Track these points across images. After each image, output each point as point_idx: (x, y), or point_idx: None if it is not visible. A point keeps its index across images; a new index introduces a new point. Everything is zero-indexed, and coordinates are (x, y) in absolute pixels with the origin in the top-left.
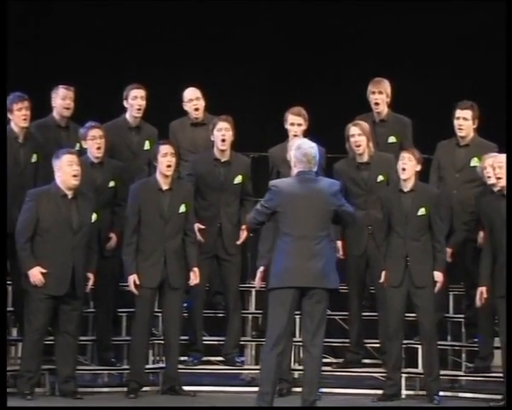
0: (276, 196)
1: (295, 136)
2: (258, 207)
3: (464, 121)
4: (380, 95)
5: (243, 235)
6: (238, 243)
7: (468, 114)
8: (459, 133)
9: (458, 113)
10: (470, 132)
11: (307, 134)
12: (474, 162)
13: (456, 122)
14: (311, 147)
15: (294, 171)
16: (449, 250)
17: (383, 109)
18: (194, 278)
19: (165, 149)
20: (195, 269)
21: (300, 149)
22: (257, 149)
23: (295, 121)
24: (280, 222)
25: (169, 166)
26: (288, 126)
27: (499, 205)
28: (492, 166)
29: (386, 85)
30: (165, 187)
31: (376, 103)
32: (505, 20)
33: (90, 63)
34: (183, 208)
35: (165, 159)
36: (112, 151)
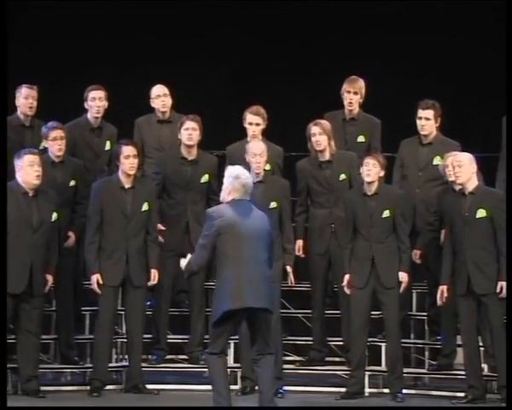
0: (217, 221)
1: (254, 135)
2: (201, 243)
3: (426, 121)
4: (355, 95)
5: None
6: None
7: (429, 113)
8: (422, 132)
9: (420, 112)
10: (433, 131)
11: (268, 132)
12: (437, 161)
13: (418, 122)
14: (249, 177)
15: (228, 198)
16: (417, 252)
17: (355, 109)
18: (153, 278)
19: (127, 150)
20: (153, 270)
21: (239, 179)
22: (221, 148)
23: (254, 121)
24: (223, 246)
25: (131, 167)
26: (246, 125)
27: (460, 204)
28: (452, 164)
29: (361, 85)
30: (127, 186)
31: (350, 103)
32: (505, 20)
33: (57, 62)
34: (145, 207)
35: (128, 161)
36: (74, 151)
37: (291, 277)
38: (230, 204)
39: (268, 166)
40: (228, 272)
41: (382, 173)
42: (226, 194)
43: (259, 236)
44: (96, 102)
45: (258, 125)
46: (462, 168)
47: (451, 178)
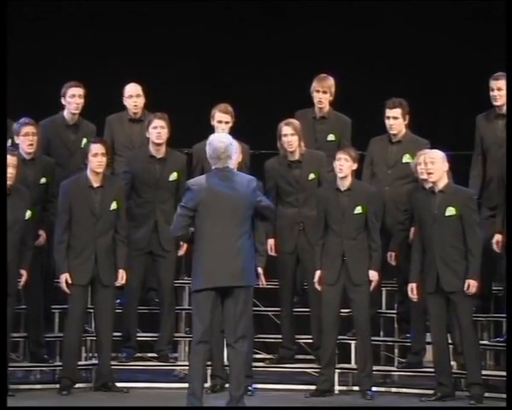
0: (195, 195)
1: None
2: (179, 212)
3: (394, 120)
4: (324, 94)
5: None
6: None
7: (397, 112)
8: (391, 131)
9: (388, 112)
10: (402, 130)
11: (235, 130)
12: (406, 159)
13: (386, 121)
14: (221, 141)
15: (212, 168)
16: (392, 254)
17: (325, 107)
18: (121, 279)
19: (95, 148)
20: (121, 271)
21: (210, 144)
22: (190, 146)
23: (223, 119)
24: (199, 221)
25: (99, 165)
26: (214, 123)
27: (429, 201)
28: (424, 161)
29: (330, 83)
30: (96, 184)
31: (320, 101)
32: (505, 20)
33: (31, 58)
34: (114, 206)
35: (96, 159)
36: (48, 148)
37: (262, 278)
38: (211, 175)
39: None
40: (201, 248)
41: (355, 167)
42: (211, 165)
43: (236, 209)
44: (75, 98)
45: (227, 123)
46: (435, 166)
47: (423, 176)
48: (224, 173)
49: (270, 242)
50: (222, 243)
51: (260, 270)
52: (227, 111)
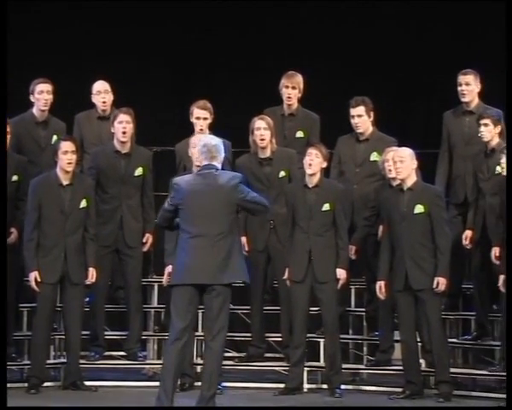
0: (177, 193)
1: (201, 130)
2: (165, 206)
3: (359, 118)
4: (293, 90)
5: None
6: (144, 240)
7: (361, 110)
8: (357, 130)
9: (352, 111)
10: (368, 127)
11: (212, 128)
12: (374, 157)
13: (352, 120)
14: (212, 138)
15: (201, 164)
16: (352, 247)
17: (294, 104)
18: (91, 276)
19: (65, 146)
20: (91, 269)
21: (202, 141)
22: (159, 144)
23: (201, 115)
24: (181, 219)
25: (69, 163)
26: (193, 120)
27: (398, 199)
28: (393, 159)
29: (299, 80)
30: (65, 182)
31: (289, 97)
32: (505, 20)
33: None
34: (83, 204)
35: (66, 156)
36: (19, 146)
37: None
38: (195, 174)
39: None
40: (182, 245)
41: (325, 165)
42: (197, 162)
43: (217, 207)
44: (43, 95)
45: (205, 119)
46: (404, 164)
47: (390, 174)
48: (208, 172)
49: (243, 239)
50: (201, 241)
51: None
52: (205, 107)
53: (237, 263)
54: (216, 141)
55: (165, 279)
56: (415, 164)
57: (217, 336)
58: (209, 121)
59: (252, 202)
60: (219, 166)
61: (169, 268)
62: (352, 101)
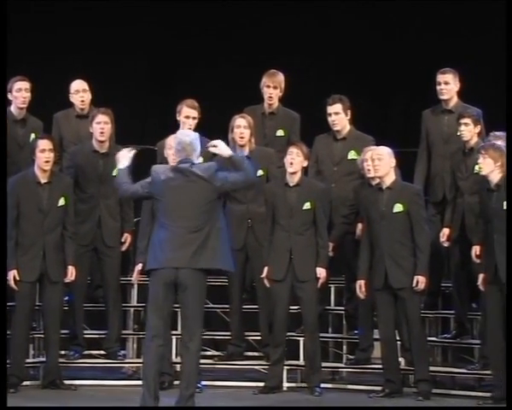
0: (154, 185)
1: (190, 129)
2: (137, 187)
3: (336, 115)
4: (274, 89)
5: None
6: (123, 239)
7: (338, 107)
8: (334, 128)
9: (329, 109)
10: (345, 125)
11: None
12: (352, 155)
13: (329, 119)
14: (187, 135)
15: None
16: (330, 244)
17: (275, 103)
18: (70, 275)
19: (43, 144)
20: (71, 267)
21: (176, 137)
22: (138, 142)
23: (190, 114)
24: (156, 210)
25: (47, 161)
26: (182, 119)
27: (377, 198)
28: (371, 157)
29: (280, 79)
30: (43, 180)
31: (270, 97)
32: (505, 20)
33: None
34: (62, 202)
35: (43, 155)
36: None
37: None
38: (173, 167)
39: (201, 159)
40: (155, 234)
41: (306, 163)
42: (175, 163)
43: (193, 203)
44: (21, 92)
45: (194, 118)
46: (382, 162)
47: (370, 174)
48: (184, 166)
49: None
50: (177, 233)
51: None
52: (194, 106)
53: (217, 250)
54: (190, 137)
55: (134, 277)
56: (393, 162)
57: (193, 336)
58: (197, 120)
59: (233, 185)
60: (196, 160)
61: (139, 266)
62: (328, 99)
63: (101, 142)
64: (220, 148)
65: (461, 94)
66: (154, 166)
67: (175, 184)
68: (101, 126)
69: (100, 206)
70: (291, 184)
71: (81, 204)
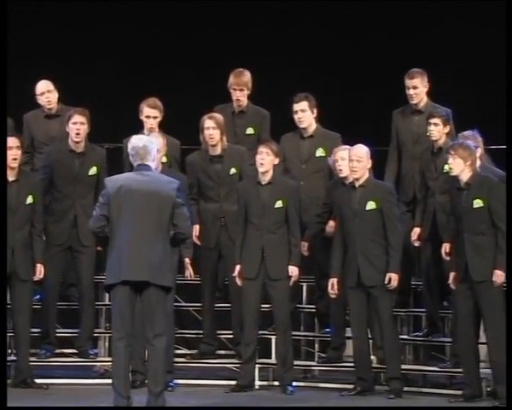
0: (108, 191)
1: (151, 129)
2: (97, 206)
3: (302, 113)
4: (241, 92)
5: None
6: None
7: (304, 105)
8: (301, 126)
9: (295, 106)
10: (312, 123)
11: (163, 125)
12: (320, 153)
13: (295, 116)
14: (140, 139)
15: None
16: (305, 244)
17: (244, 102)
18: (39, 273)
19: (10, 142)
20: (39, 265)
21: (130, 142)
22: (111, 140)
23: (151, 114)
24: (113, 218)
25: (14, 159)
26: (143, 118)
27: (350, 197)
28: (350, 157)
29: (247, 80)
30: (11, 179)
31: (238, 100)
32: (505, 20)
33: None
34: (30, 200)
35: (10, 152)
36: None
37: (190, 269)
38: (129, 173)
39: (165, 159)
40: (114, 244)
41: (277, 161)
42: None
43: (151, 207)
44: None
45: (155, 118)
46: (360, 163)
47: (342, 174)
48: (142, 171)
49: (196, 228)
50: (134, 239)
51: (188, 260)
52: (155, 106)
53: (170, 267)
54: (143, 141)
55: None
56: (369, 163)
57: (158, 335)
58: (159, 119)
59: (179, 214)
60: (152, 164)
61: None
62: (294, 97)
63: (77, 142)
64: None
65: (430, 93)
66: (106, 179)
67: (134, 190)
68: (78, 127)
69: (75, 205)
70: (263, 183)
71: (56, 203)
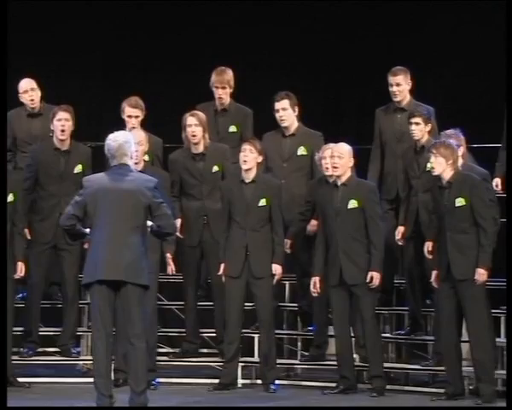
0: (86, 191)
1: (133, 127)
2: (72, 203)
3: (284, 111)
4: (223, 90)
5: None
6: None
7: (285, 103)
8: (282, 124)
9: (276, 105)
10: (293, 121)
11: (145, 123)
12: (301, 151)
13: (277, 115)
14: (115, 140)
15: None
16: (288, 241)
17: (226, 100)
18: (20, 271)
19: None
20: (20, 263)
21: (106, 143)
22: (94, 139)
23: (133, 113)
24: (90, 216)
25: None
26: (125, 118)
27: (332, 195)
28: (331, 154)
29: (228, 78)
30: None
31: (220, 98)
32: (505, 20)
33: None
34: (10, 198)
35: None
36: None
37: (172, 265)
38: (107, 172)
39: (147, 157)
40: (92, 243)
41: (260, 159)
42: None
43: (128, 206)
44: None
45: (137, 117)
46: (342, 160)
47: (327, 172)
48: (120, 171)
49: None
50: (110, 239)
51: (170, 256)
52: (136, 105)
53: (146, 265)
54: (118, 142)
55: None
56: (351, 162)
57: (137, 334)
58: (141, 118)
59: (158, 211)
60: (130, 162)
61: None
62: (275, 95)
63: (62, 140)
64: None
65: (413, 92)
66: (85, 177)
67: (109, 189)
68: (62, 123)
69: (61, 203)
70: (246, 181)
71: (42, 202)
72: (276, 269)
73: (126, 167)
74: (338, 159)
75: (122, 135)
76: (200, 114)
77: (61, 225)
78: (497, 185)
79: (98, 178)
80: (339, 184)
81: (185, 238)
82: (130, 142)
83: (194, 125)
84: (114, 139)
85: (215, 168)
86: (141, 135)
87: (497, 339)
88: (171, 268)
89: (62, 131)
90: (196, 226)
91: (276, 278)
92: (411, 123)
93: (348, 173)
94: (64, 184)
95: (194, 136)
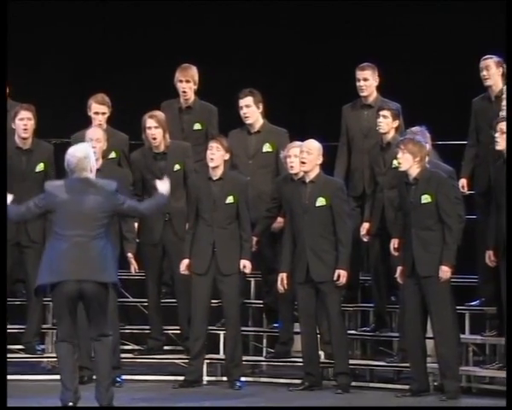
0: (48, 197)
1: (99, 125)
2: (30, 205)
3: (247, 108)
4: (187, 83)
5: None
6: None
7: (249, 100)
8: (246, 121)
9: (240, 102)
10: (257, 118)
11: (111, 121)
12: (267, 148)
13: (241, 112)
14: (74, 156)
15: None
16: (254, 239)
17: (191, 97)
18: None
19: None
20: None
21: (66, 157)
22: (59, 136)
23: (99, 110)
24: (52, 222)
25: None
26: (91, 115)
27: (300, 192)
28: (301, 149)
29: (193, 73)
30: None
31: (184, 92)
32: (505, 21)
33: None
34: None
35: None
36: None
37: (134, 264)
38: (69, 180)
39: (113, 154)
40: (51, 247)
41: (227, 157)
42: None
43: (90, 213)
44: None
45: (103, 114)
46: (310, 156)
47: (292, 170)
48: (81, 179)
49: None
50: (72, 244)
51: (131, 255)
52: (103, 102)
53: (110, 265)
54: (78, 155)
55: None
56: (320, 159)
57: (104, 331)
58: (107, 115)
59: (129, 209)
60: (90, 174)
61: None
62: (239, 93)
63: (24, 138)
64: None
65: (380, 88)
66: (48, 183)
67: (71, 197)
68: (25, 123)
69: (22, 202)
70: (214, 178)
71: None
72: (245, 265)
73: (85, 180)
74: (306, 154)
75: (81, 150)
76: (159, 114)
77: (9, 217)
78: (463, 186)
79: (60, 185)
80: (307, 181)
81: (147, 236)
82: (89, 156)
83: (153, 128)
84: (73, 155)
85: (177, 167)
86: (99, 132)
87: (462, 336)
88: (133, 267)
89: (25, 130)
90: (157, 224)
91: (247, 272)
92: (379, 115)
93: (316, 171)
94: (26, 183)
95: (154, 138)
